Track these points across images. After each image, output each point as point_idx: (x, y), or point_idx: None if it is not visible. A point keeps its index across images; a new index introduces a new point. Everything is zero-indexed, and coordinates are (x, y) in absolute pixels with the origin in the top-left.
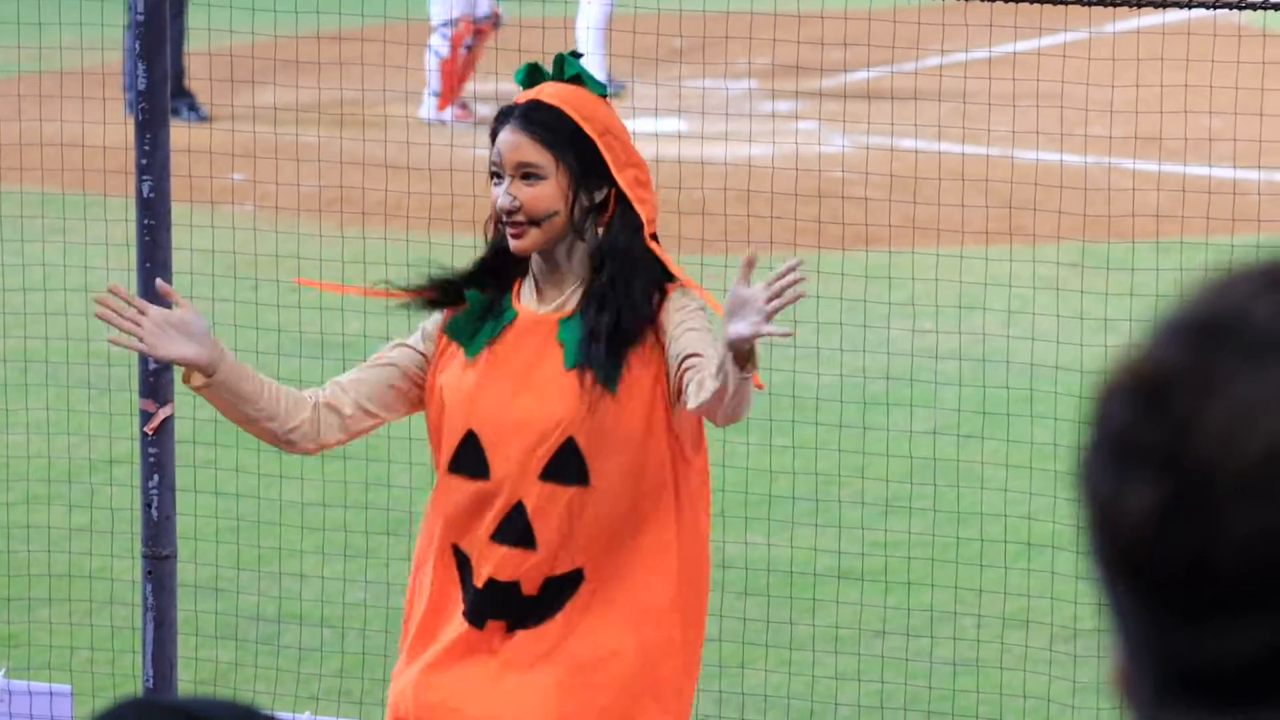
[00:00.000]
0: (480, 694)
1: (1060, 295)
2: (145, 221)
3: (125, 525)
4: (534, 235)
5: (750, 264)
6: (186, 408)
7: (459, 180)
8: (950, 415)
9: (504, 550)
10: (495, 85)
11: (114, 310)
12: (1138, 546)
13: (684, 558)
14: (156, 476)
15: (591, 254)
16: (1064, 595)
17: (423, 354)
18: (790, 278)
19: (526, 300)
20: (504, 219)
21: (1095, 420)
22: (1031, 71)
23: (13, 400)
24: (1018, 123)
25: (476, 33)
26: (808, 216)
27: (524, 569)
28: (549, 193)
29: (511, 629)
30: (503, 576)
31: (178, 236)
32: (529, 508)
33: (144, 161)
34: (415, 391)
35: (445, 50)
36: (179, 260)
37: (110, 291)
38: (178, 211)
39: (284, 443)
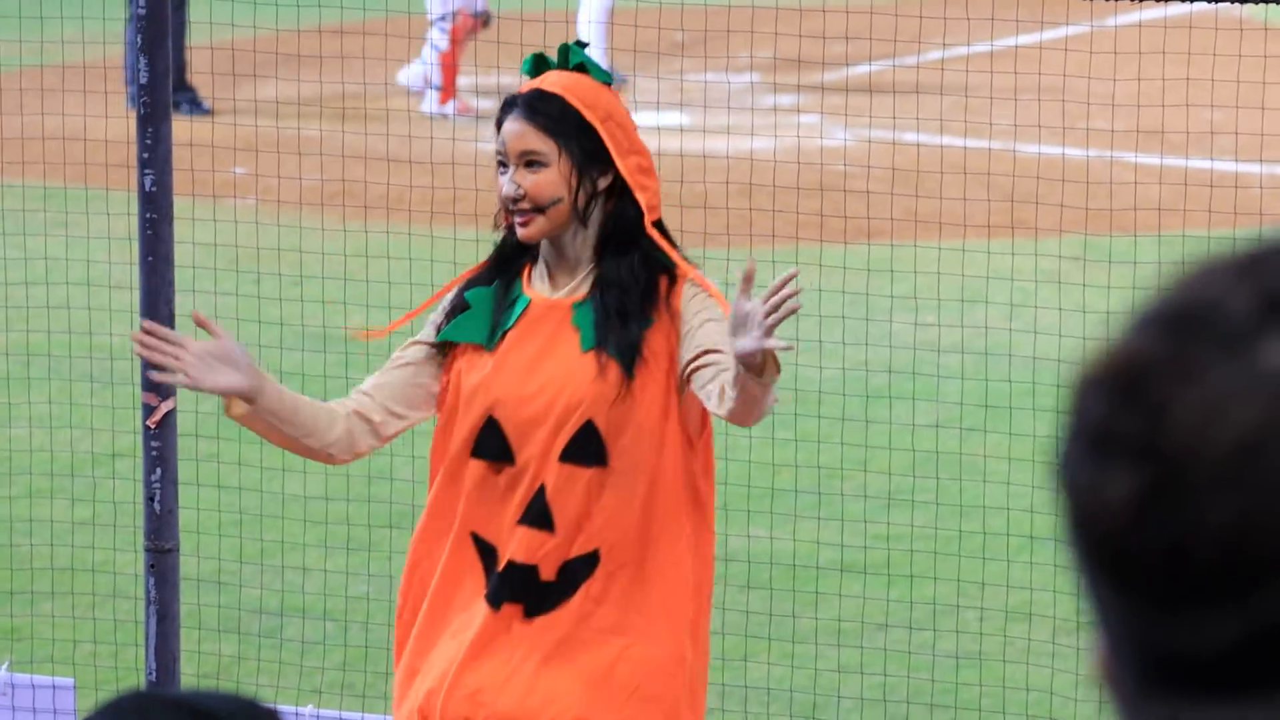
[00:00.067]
0: (510, 687)
1: (1062, 288)
2: (147, 215)
3: (128, 519)
4: (540, 223)
5: (749, 278)
6: (189, 402)
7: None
8: (953, 408)
9: (523, 531)
10: (497, 79)
11: (154, 347)
12: (1115, 535)
13: (698, 541)
14: (159, 470)
15: (597, 240)
16: (1066, 588)
17: (437, 347)
18: (786, 290)
19: (539, 286)
20: (510, 207)
21: (1072, 411)
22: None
23: (15, 394)
24: (1020, 116)
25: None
26: (810, 210)
27: (542, 552)
28: (552, 179)
29: (529, 614)
30: (521, 559)
31: (180, 230)
32: (549, 489)
33: (146, 155)
34: (438, 387)
35: (445, 44)
36: (181, 254)
37: (145, 331)
38: (180, 205)
39: (323, 457)
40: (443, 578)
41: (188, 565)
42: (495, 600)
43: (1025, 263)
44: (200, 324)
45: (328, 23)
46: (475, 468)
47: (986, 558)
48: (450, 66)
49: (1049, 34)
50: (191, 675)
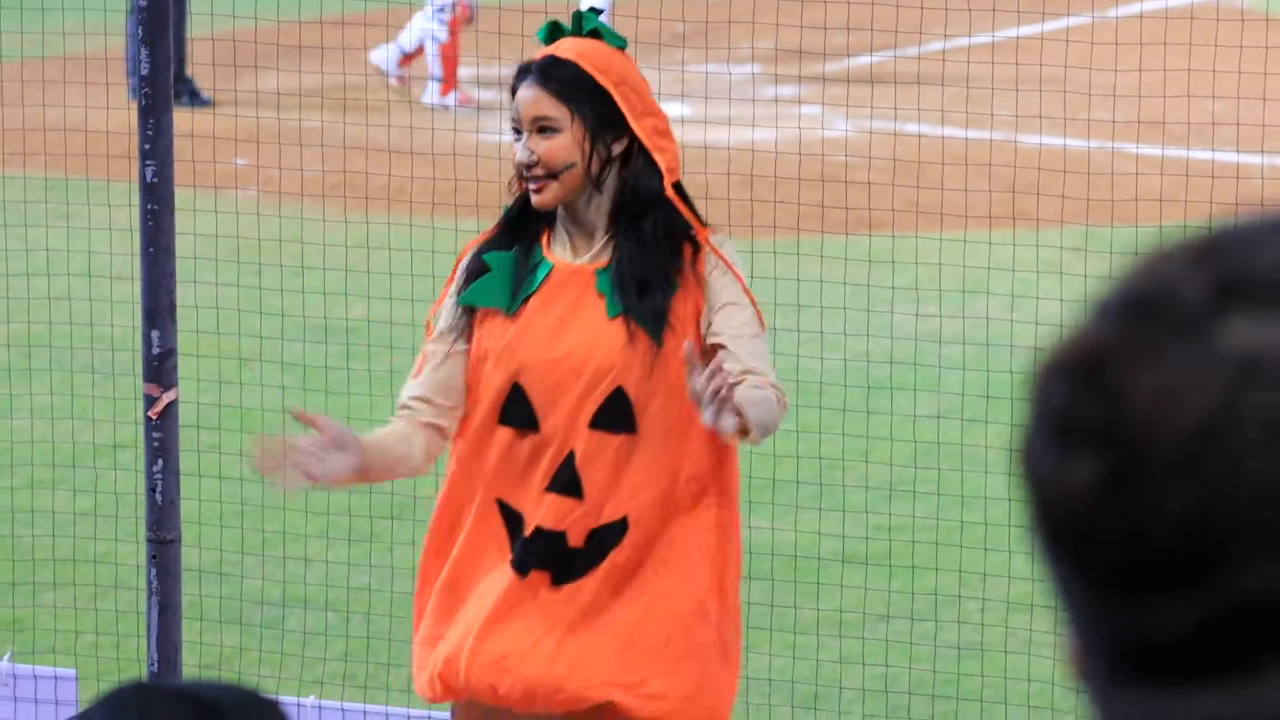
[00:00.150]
0: (536, 654)
1: (1064, 279)
2: (148, 206)
3: (129, 510)
4: (554, 189)
5: (690, 361)
6: (190, 392)
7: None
8: (954, 399)
9: (552, 498)
10: (498, 70)
11: (272, 460)
12: (1077, 521)
13: (723, 504)
14: (160, 461)
15: (613, 205)
16: None
17: (462, 319)
18: (715, 382)
19: (559, 252)
20: (524, 173)
21: (1033, 400)
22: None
23: (17, 385)
24: (1021, 107)
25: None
26: (811, 201)
27: (570, 519)
28: (565, 144)
29: (556, 582)
30: (549, 525)
31: (181, 221)
32: (578, 457)
33: (147, 146)
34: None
35: (444, 35)
36: (182, 245)
37: (259, 448)
38: (181, 196)
39: (414, 473)
40: (466, 544)
41: (189, 556)
42: (522, 567)
43: (1027, 254)
44: (305, 421)
45: (329, 13)
46: (502, 435)
47: (988, 549)
48: (451, 58)
49: (1050, 25)
50: (193, 666)
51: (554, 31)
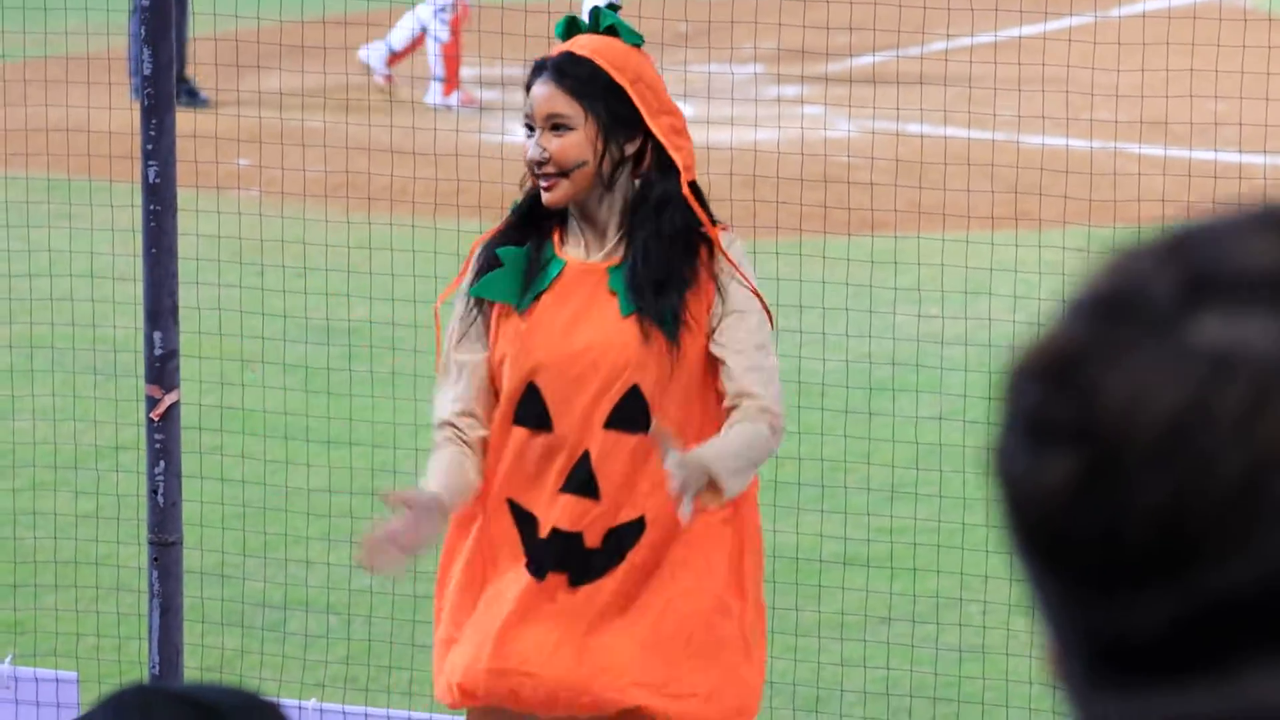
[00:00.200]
0: (558, 657)
1: (1066, 280)
2: (151, 207)
3: (131, 511)
4: (564, 187)
5: (656, 442)
6: (192, 394)
7: (464, 165)
8: (956, 401)
9: (567, 499)
10: (501, 70)
11: (379, 555)
12: (1051, 519)
13: (739, 502)
14: (162, 463)
15: (626, 204)
16: None
17: (483, 332)
18: (677, 484)
19: (572, 250)
20: (535, 170)
21: (1006, 402)
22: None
23: (19, 386)
24: (1023, 107)
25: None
26: (813, 201)
27: (587, 520)
28: (577, 143)
29: (574, 583)
30: (566, 526)
31: (183, 222)
32: (594, 457)
33: (150, 147)
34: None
35: (446, 35)
36: (184, 246)
37: (366, 549)
38: (183, 197)
39: (475, 494)
40: (477, 546)
41: (191, 558)
42: (539, 569)
43: (1029, 254)
44: (396, 502)
45: (331, 13)
46: (516, 435)
47: (990, 551)
48: (453, 58)
49: (1053, 25)
50: (194, 668)
51: (571, 27)
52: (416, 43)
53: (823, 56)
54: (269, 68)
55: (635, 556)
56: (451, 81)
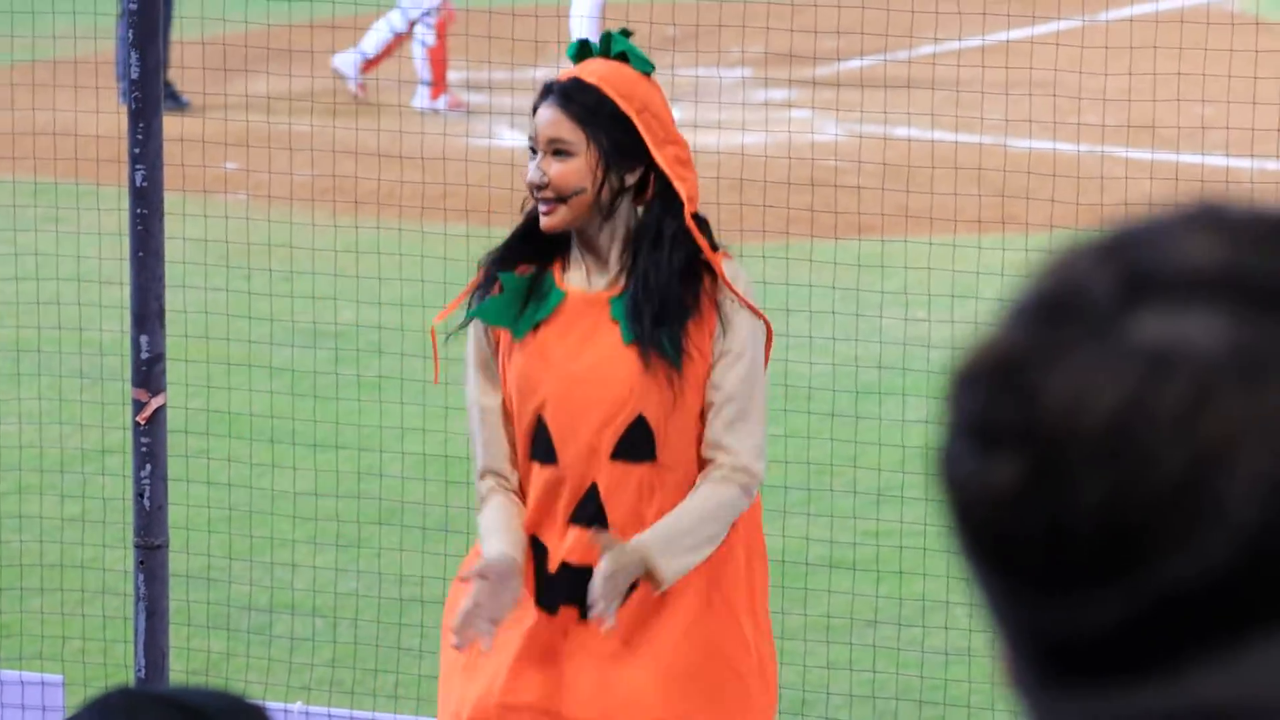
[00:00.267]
0: (575, 693)
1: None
2: (138, 210)
3: (117, 515)
4: (562, 213)
5: (598, 543)
6: (179, 397)
7: (452, 169)
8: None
9: (577, 532)
10: (488, 75)
11: (471, 628)
12: (998, 520)
13: (748, 528)
14: (149, 466)
15: (628, 233)
16: None
17: (495, 371)
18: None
19: (574, 279)
20: (534, 194)
21: (950, 408)
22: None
23: (5, 390)
24: (1011, 111)
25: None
26: (801, 205)
27: (597, 552)
28: (577, 169)
29: (585, 616)
30: (575, 560)
31: (171, 225)
32: (601, 489)
33: (137, 150)
34: None
35: (431, 39)
36: (172, 249)
37: (455, 628)
38: (171, 200)
39: None
40: None
41: (177, 561)
42: (550, 604)
43: (1016, 258)
44: (479, 576)
45: (319, 17)
46: (531, 468)
47: None
48: (439, 61)
49: (1040, 29)
50: (180, 672)
51: (582, 51)
52: (390, 48)
53: (810, 60)
54: (256, 72)
55: (646, 586)
56: (439, 85)
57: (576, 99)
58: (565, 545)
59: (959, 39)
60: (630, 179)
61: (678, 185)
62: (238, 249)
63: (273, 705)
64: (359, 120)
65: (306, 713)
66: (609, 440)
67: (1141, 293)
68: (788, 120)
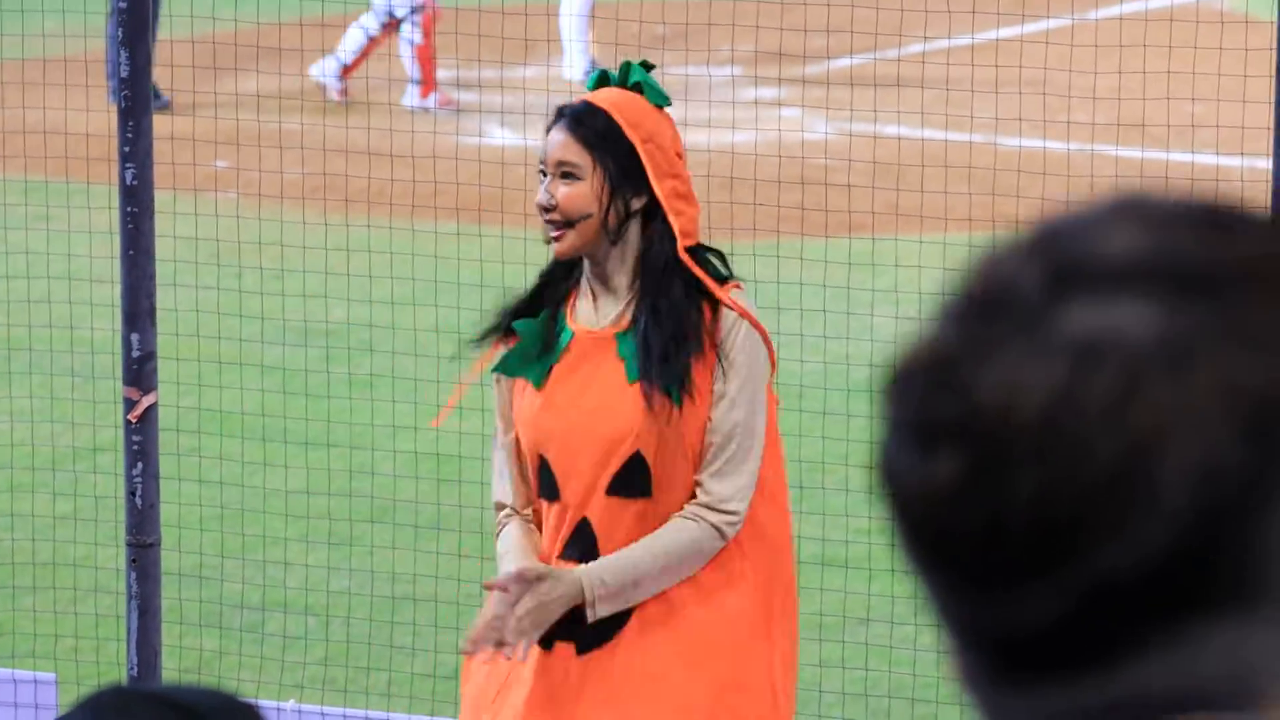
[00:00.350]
0: None
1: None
2: (128, 209)
3: (109, 513)
4: (570, 238)
5: (502, 588)
6: (170, 396)
7: (442, 167)
8: None
9: (570, 566)
10: (478, 73)
11: (483, 644)
12: (937, 517)
13: (755, 555)
14: (140, 464)
15: (636, 264)
16: None
17: (509, 411)
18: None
19: (583, 315)
20: (543, 217)
21: (887, 408)
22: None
23: None
24: (1001, 109)
25: (390, 26)
26: (791, 203)
27: None
28: (584, 193)
29: (581, 651)
30: None
31: (161, 224)
32: (594, 523)
33: (127, 149)
34: None
35: (419, 37)
36: (162, 248)
37: (471, 640)
38: (161, 199)
39: None
40: None
41: (169, 560)
42: (546, 640)
43: None
44: (497, 588)
45: (308, 15)
46: (544, 508)
47: None
48: (427, 59)
49: (1030, 27)
50: (173, 670)
51: (601, 80)
52: (366, 52)
53: (800, 59)
54: (246, 70)
55: (645, 613)
56: (428, 83)
57: (586, 123)
58: None
59: (949, 37)
60: (637, 204)
61: (672, 219)
62: (228, 247)
63: (265, 703)
64: (349, 118)
65: (299, 711)
66: (605, 477)
67: (1069, 285)
68: (778, 118)
